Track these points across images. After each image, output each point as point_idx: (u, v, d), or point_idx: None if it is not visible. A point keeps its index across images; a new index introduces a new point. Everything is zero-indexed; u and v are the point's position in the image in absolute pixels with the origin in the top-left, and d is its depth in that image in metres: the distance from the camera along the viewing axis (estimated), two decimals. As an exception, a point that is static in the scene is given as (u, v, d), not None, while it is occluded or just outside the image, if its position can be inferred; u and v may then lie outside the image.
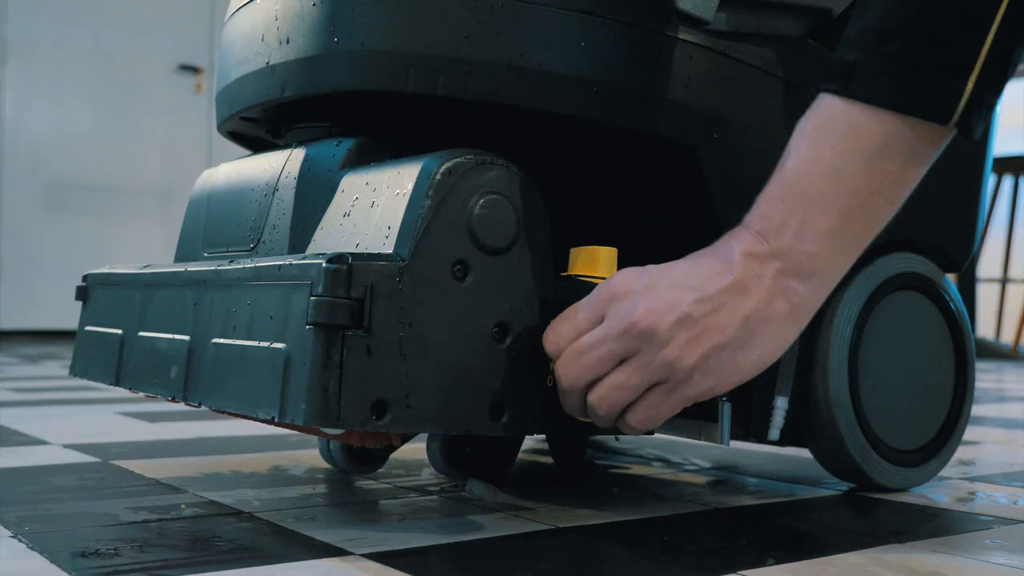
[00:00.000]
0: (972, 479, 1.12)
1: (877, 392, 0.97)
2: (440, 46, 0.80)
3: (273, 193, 0.86)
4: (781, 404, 0.94)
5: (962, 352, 1.04)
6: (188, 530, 0.79)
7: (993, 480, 1.11)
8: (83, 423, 1.49)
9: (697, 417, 0.88)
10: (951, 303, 1.03)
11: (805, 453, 1.27)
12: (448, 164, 0.73)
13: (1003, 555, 0.76)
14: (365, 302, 0.69)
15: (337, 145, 0.84)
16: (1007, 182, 4.40)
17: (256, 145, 1.05)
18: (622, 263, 0.94)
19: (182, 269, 0.86)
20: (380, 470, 1.07)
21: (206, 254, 0.94)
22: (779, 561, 0.73)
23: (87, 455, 1.17)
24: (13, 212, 4.51)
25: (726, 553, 0.75)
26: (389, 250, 0.72)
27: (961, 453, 1.33)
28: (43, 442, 1.26)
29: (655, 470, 1.13)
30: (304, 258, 0.71)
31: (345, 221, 0.79)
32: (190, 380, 0.81)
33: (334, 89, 0.82)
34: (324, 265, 0.68)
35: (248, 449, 1.24)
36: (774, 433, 0.94)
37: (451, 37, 0.80)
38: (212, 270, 0.81)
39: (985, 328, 4.76)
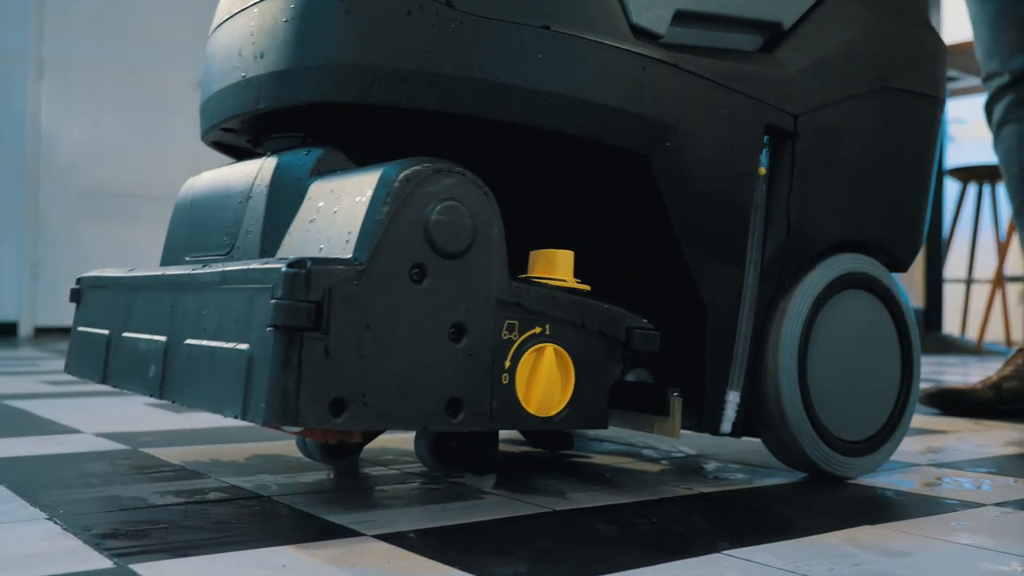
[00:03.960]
0: (939, 465, 1.10)
1: (826, 386, 0.94)
2: (404, 60, 0.77)
3: (247, 200, 0.83)
4: (733, 398, 0.90)
5: (907, 346, 1.00)
6: (211, 513, 0.78)
7: (959, 467, 1.10)
8: (113, 413, 1.46)
9: (649, 411, 0.85)
10: (897, 300, 1.00)
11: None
12: (406, 172, 0.70)
13: (968, 536, 0.76)
14: (323, 305, 0.66)
15: (307, 154, 0.81)
16: (971, 190, 4.38)
17: (241, 154, 1.02)
18: (583, 266, 0.91)
19: (161, 273, 0.83)
20: (389, 457, 1.05)
21: (187, 258, 0.91)
22: (761, 542, 0.72)
23: (117, 443, 1.15)
24: (49, 217, 4.48)
25: (712, 534, 0.74)
26: (349, 254, 0.69)
27: (929, 441, 1.32)
28: (76, 431, 1.24)
29: (645, 456, 1.11)
30: (267, 263, 0.68)
31: (311, 227, 0.76)
32: (166, 379, 0.78)
33: (305, 101, 0.80)
34: (284, 270, 0.65)
35: (268, 437, 1.22)
36: (726, 426, 0.90)
37: (414, 51, 0.78)
38: (187, 274, 0.78)
39: (951, 326, 4.73)
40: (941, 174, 4.06)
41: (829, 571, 0.65)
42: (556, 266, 0.81)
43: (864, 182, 0.97)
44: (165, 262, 0.95)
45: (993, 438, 1.38)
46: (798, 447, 0.93)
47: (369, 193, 0.70)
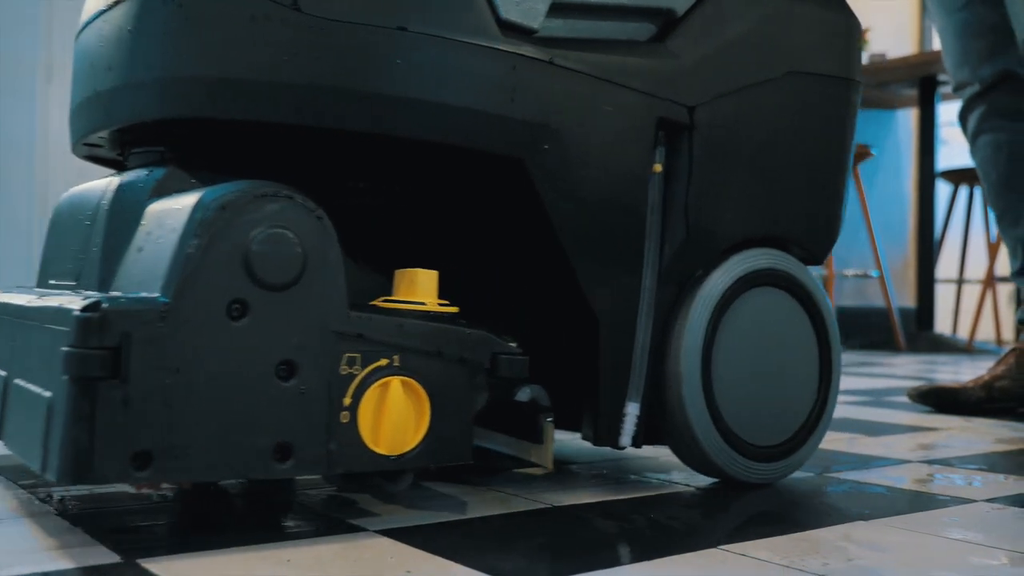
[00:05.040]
0: (931, 462, 1.08)
1: (734, 391, 0.86)
2: (249, 70, 0.69)
3: (93, 223, 0.76)
4: (632, 410, 0.83)
5: (825, 343, 0.91)
6: (217, 509, 0.76)
7: (950, 463, 1.08)
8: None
9: (524, 437, 0.77)
10: (812, 296, 0.91)
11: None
12: (222, 199, 0.63)
13: (960, 531, 0.75)
14: (122, 350, 0.59)
15: (148, 174, 0.73)
16: (963, 192, 4.30)
17: (120, 166, 0.94)
18: (461, 280, 0.83)
19: (8, 301, 0.76)
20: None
21: (51, 282, 0.84)
22: (757, 537, 0.71)
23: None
24: (58, 214, 4.44)
25: (708, 530, 0.73)
26: (157, 292, 0.61)
27: (921, 439, 1.29)
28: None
29: (642, 453, 1.07)
30: (70, 301, 0.61)
31: (138, 257, 0.68)
32: (4, 419, 0.71)
33: (150, 118, 0.72)
34: (76, 313, 0.58)
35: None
36: (625, 440, 0.83)
37: (261, 61, 0.70)
38: (21, 306, 0.71)
39: (943, 325, 4.66)
40: (933, 176, 3.98)
41: (823, 566, 0.64)
42: (416, 288, 0.73)
43: (772, 173, 0.88)
44: (39, 283, 0.89)
45: (984, 436, 1.35)
46: (705, 455, 0.85)
47: (182, 222, 0.63)
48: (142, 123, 0.73)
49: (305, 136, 0.74)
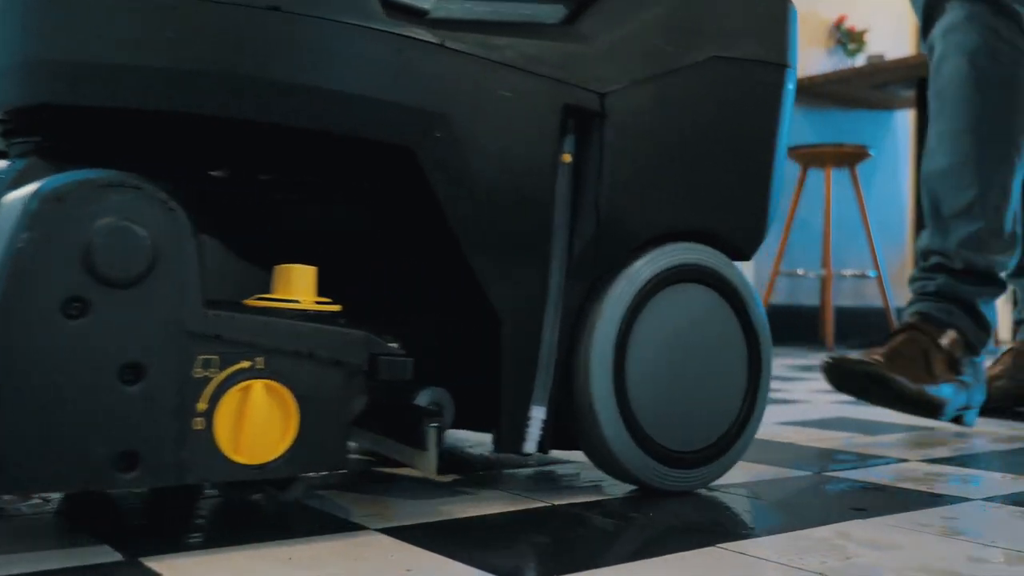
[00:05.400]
0: (929, 461, 1.08)
1: (650, 393, 0.81)
2: (112, 54, 0.65)
3: (-44, 218, 0.71)
4: (537, 414, 0.77)
5: (754, 343, 0.86)
6: (220, 509, 0.76)
7: (948, 462, 1.08)
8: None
9: (409, 443, 0.72)
10: (739, 292, 0.85)
11: (779, 436, 1.25)
12: (59, 190, 0.58)
13: (956, 530, 0.75)
14: (-61, 353, 0.54)
15: (11, 165, 0.69)
16: None
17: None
18: (347, 276, 0.78)
19: None
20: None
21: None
22: (755, 535, 0.71)
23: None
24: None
25: (707, 528, 0.73)
26: (-13, 289, 0.57)
27: (918, 437, 1.29)
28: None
29: None
30: None
31: (-15, 252, 0.63)
32: None
33: (10, 105, 0.67)
34: None
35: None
36: (529, 445, 0.78)
37: (125, 43, 0.65)
38: None
39: None
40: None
41: (821, 564, 0.64)
42: (291, 284, 0.68)
43: (694, 164, 0.83)
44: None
45: (981, 435, 1.34)
46: (618, 461, 0.80)
47: (16, 214, 0.58)
48: (6, 111, 0.69)
49: (180, 124, 0.69)
